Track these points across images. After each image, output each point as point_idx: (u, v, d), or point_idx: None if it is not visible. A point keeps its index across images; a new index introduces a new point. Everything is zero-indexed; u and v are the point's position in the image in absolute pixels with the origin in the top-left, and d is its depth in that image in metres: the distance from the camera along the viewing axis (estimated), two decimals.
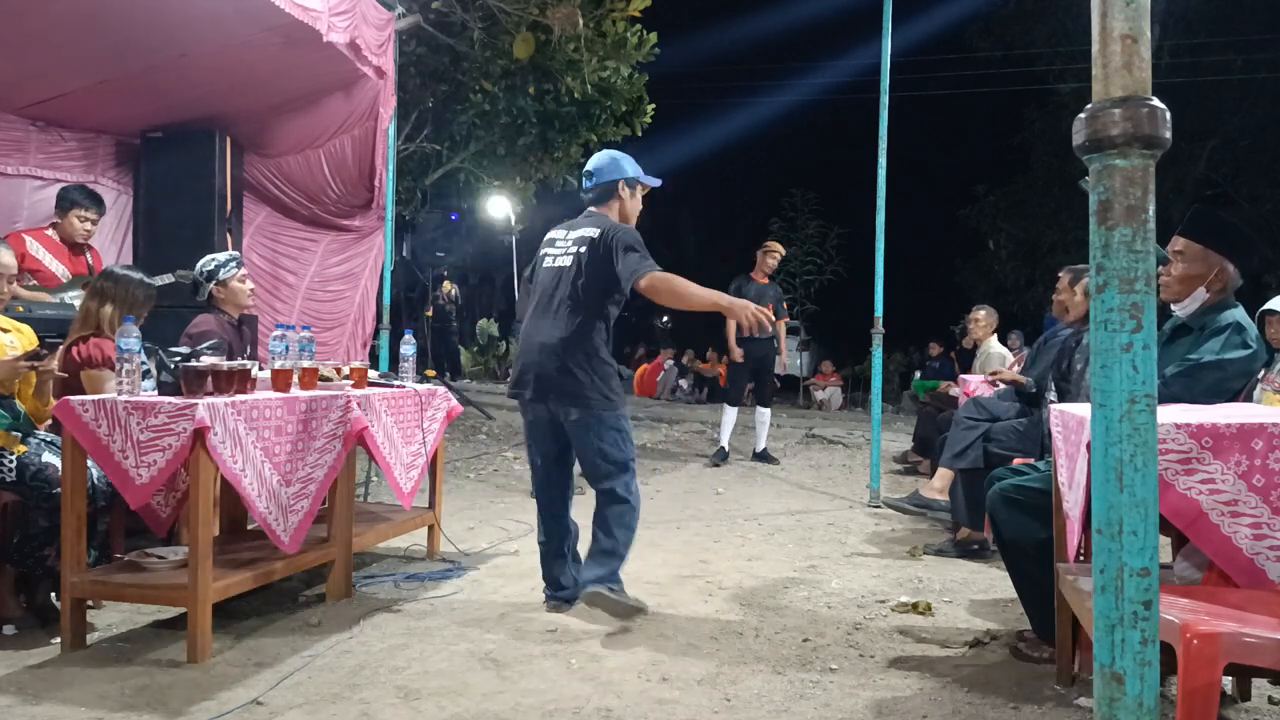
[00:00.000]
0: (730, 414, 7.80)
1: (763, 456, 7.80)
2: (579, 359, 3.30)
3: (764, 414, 7.81)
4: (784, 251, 7.90)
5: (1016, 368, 6.29)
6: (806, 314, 19.49)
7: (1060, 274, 4.53)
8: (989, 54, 18.31)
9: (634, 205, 3.60)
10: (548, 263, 3.50)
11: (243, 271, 4.05)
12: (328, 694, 2.58)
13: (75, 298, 4.38)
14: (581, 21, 7.35)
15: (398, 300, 12.96)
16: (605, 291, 3.35)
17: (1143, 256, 1.08)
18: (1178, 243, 2.83)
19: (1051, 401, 4.01)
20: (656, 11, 7.95)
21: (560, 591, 3.49)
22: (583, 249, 3.39)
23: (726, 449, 7.81)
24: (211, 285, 3.97)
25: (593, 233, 3.40)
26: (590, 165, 3.60)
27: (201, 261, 4.01)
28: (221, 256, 4.03)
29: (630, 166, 3.59)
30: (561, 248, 3.48)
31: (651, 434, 9.72)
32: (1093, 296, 1.11)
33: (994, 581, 3.94)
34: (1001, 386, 4.77)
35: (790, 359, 18.02)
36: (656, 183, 3.65)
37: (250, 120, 5.54)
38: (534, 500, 3.59)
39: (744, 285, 7.52)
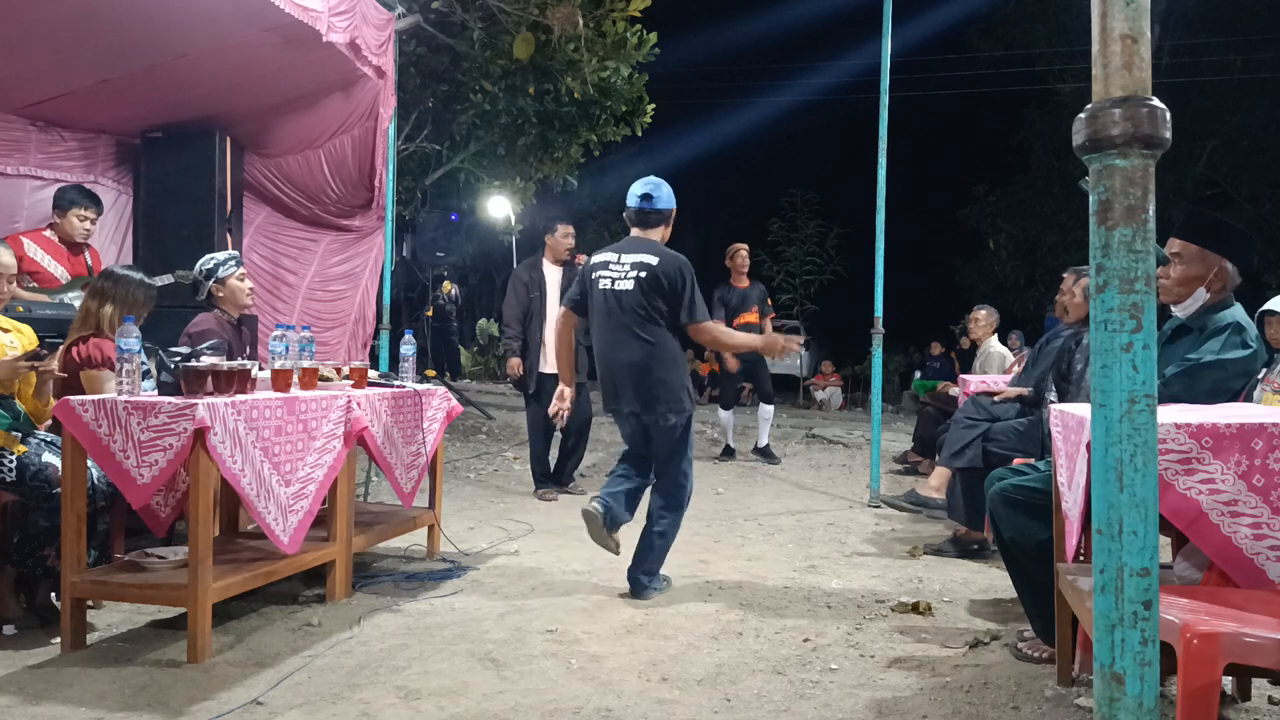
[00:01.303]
0: (726, 416, 7.97)
1: (764, 452, 7.81)
2: (666, 366, 3.62)
3: (766, 410, 7.81)
4: (745, 247, 7.77)
5: (1017, 368, 6.30)
6: (806, 314, 19.47)
7: (1065, 274, 4.53)
8: (989, 54, 18.31)
9: (667, 234, 3.89)
10: (604, 285, 3.69)
11: (241, 270, 4.05)
12: (328, 694, 2.58)
13: (75, 298, 4.37)
14: (581, 21, 7.34)
15: (398, 300, 12.95)
16: (671, 311, 3.66)
17: (1143, 256, 1.09)
18: (1174, 245, 2.82)
19: (1051, 401, 4.01)
20: (656, 11, 7.95)
21: (609, 510, 3.61)
22: (643, 274, 3.63)
23: (732, 446, 8.03)
24: (210, 284, 3.96)
25: (650, 260, 3.64)
26: (648, 189, 3.77)
27: (201, 261, 4.00)
28: (220, 256, 4.03)
29: (674, 200, 3.87)
30: (618, 270, 3.68)
31: None
32: (1093, 296, 1.11)
33: (994, 581, 3.94)
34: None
35: (790, 358, 18.03)
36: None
37: (250, 120, 5.54)
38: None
39: (727, 294, 7.54)
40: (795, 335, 3.75)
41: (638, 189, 3.79)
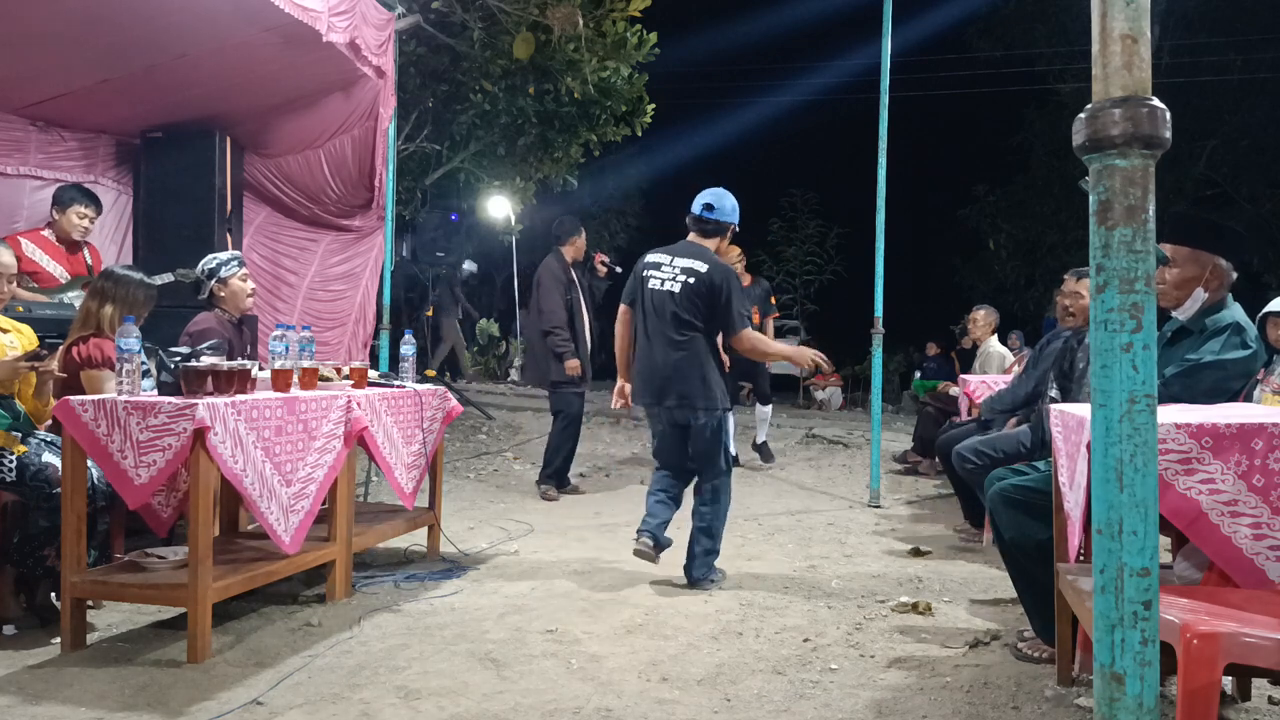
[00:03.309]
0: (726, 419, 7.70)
1: (762, 449, 7.62)
2: (703, 365, 3.77)
3: (764, 411, 7.65)
4: (735, 250, 7.63)
5: (1017, 368, 6.29)
6: (806, 314, 19.47)
7: (1065, 277, 4.53)
8: (989, 54, 18.30)
9: (725, 248, 4.04)
10: (654, 285, 3.84)
11: (244, 271, 4.05)
12: (328, 694, 2.58)
13: (75, 298, 4.38)
14: (581, 21, 7.34)
15: (398, 300, 12.94)
16: (712, 318, 3.81)
17: (1143, 256, 1.09)
18: (1164, 249, 2.80)
19: (1053, 400, 4.01)
20: (656, 11, 7.94)
21: (658, 544, 3.82)
22: (691, 280, 3.77)
23: (733, 453, 7.71)
24: (212, 283, 3.97)
25: (700, 267, 3.78)
26: (713, 199, 3.91)
27: (203, 260, 4.01)
28: (223, 255, 4.04)
29: (736, 212, 3.98)
30: (667, 273, 3.83)
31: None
32: (1093, 296, 1.11)
33: (994, 581, 3.94)
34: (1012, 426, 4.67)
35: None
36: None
37: (250, 120, 5.54)
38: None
39: None
40: (823, 358, 3.99)
41: (703, 196, 3.94)
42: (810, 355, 3.95)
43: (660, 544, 3.84)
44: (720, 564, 3.99)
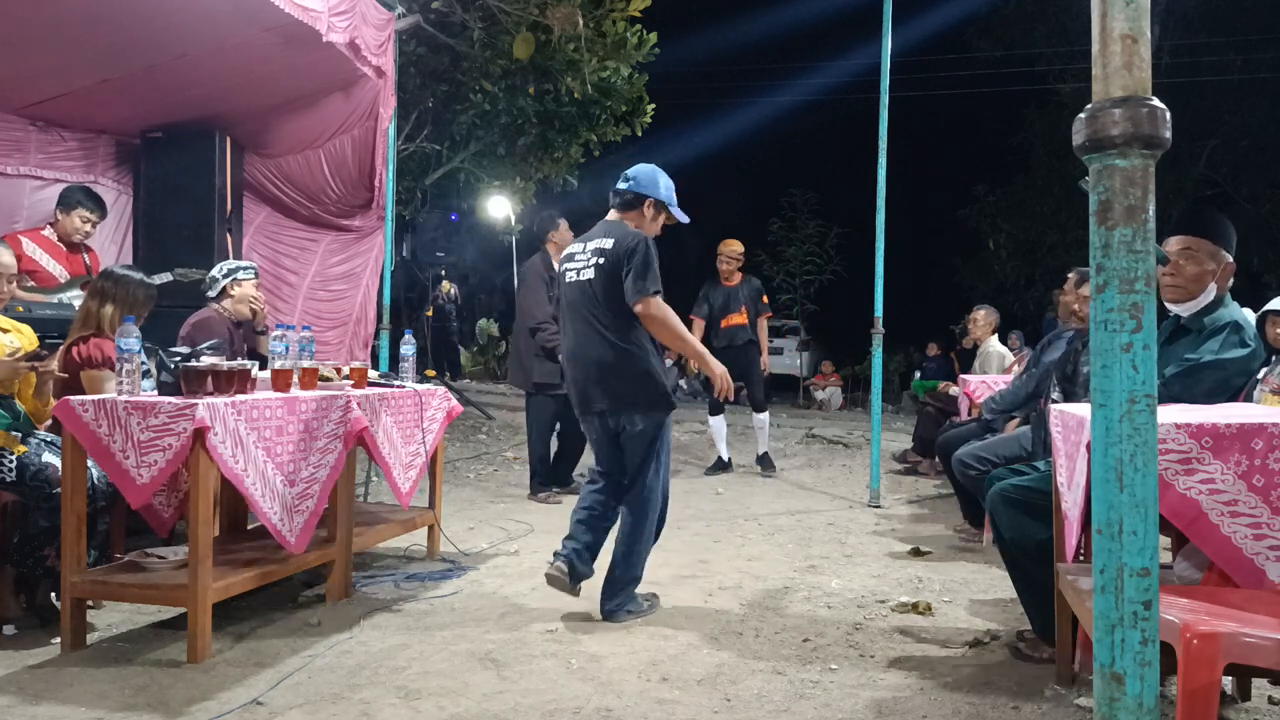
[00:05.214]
0: (716, 423, 7.24)
1: (763, 460, 7.28)
2: (638, 363, 3.33)
3: (760, 419, 7.22)
4: (731, 248, 7.16)
5: (1017, 368, 6.29)
6: (806, 314, 19.48)
7: (1069, 276, 4.52)
8: (989, 54, 18.32)
9: (652, 227, 3.56)
10: (570, 277, 3.47)
11: (258, 281, 4.30)
12: (328, 694, 2.58)
13: (75, 298, 4.38)
14: (581, 21, 7.34)
15: (398, 300, 12.94)
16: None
17: (1143, 256, 1.08)
18: (1186, 241, 2.74)
19: (1055, 401, 4.00)
20: (656, 11, 7.95)
21: (573, 570, 3.36)
22: (601, 260, 3.37)
23: (725, 459, 7.32)
24: (227, 282, 4.17)
25: (607, 243, 3.39)
26: (632, 170, 3.57)
27: (223, 262, 4.28)
28: (244, 262, 4.37)
29: (666, 189, 3.57)
30: (581, 261, 3.45)
31: None
32: (1093, 296, 1.11)
33: (994, 581, 3.94)
34: (1014, 428, 4.67)
35: (790, 359, 18.03)
36: (684, 219, 3.63)
37: (250, 120, 5.54)
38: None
39: (710, 291, 7.15)
40: (729, 389, 3.53)
41: (625, 172, 3.61)
42: (722, 385, 3.47)
43: (577, 573, 3.37)
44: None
